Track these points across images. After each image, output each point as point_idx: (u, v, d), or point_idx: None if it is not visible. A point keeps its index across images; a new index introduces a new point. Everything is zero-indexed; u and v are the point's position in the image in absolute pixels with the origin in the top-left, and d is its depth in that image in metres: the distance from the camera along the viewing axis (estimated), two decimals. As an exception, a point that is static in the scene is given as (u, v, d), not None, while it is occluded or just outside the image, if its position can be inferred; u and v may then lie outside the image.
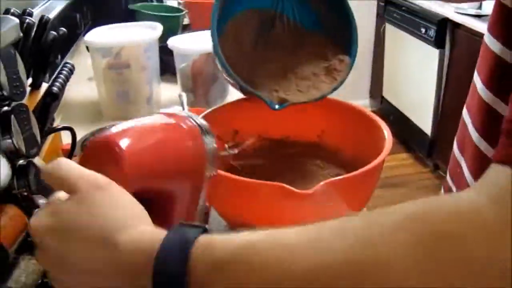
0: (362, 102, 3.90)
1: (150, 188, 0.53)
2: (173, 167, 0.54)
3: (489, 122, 0.70)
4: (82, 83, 1.54)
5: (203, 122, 0.58)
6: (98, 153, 0.51)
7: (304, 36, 0.97)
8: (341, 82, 0.90)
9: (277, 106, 0.87)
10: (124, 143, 0.50)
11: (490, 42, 0.73)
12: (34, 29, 0.81)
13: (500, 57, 0.69)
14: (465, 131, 0.78)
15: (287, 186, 0.72)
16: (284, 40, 0.97)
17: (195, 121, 0.58)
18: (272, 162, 0.97)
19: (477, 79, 0.75)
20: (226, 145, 0.86)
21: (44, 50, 0.83)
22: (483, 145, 0.71)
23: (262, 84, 0.90)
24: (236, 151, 0.83)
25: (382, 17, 3.61)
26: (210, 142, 0.58)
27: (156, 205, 0.53)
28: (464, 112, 0.80)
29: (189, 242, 0.44)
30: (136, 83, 1.32)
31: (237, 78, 0.87)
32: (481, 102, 0.72)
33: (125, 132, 0.52)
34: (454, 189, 0.83)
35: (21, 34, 0.73)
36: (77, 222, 0.47)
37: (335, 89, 0.90)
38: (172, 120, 0.57)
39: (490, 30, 0.73)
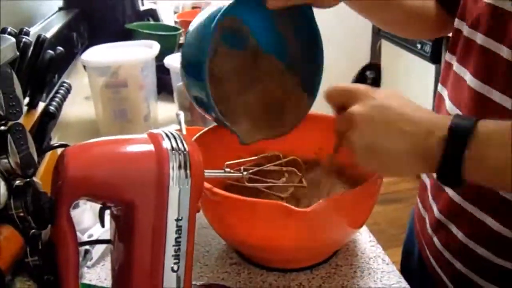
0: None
1: (103, 194, 0.57)
2: (125, 179, 0.57)
3: (480, 109, 0.75)
4: (80, 102, 1.55)
5: (183, 145, 0.58)
6: (60, 159, 0.57)
7: (262, 59, 0.92)
8: (299, 120, 0.88)
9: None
10: (74, 150, 0.58)
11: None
12: (31, 48, 0.81)
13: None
14: None
15: (286, 204, 0.72)
16: (241, 60, 0.92)
17: (176, 142, 0.58)
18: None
19: (464, 72, 0.80)
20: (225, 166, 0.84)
21: (41, 69, 0.83)
22: None
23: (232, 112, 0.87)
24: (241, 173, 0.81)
25: (377, 34, 3.62)
26: (182, 166, 0.57)
27: (122, 214, 0.59)
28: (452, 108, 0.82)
29: (472, 119, 0.59)
30: (133, 102, 1.32)
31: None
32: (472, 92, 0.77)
33: (83, 144, 0.60)
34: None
35: (18, 53, 0.73)
36: (390, 117, 0.63)
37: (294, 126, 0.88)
38: (145, 139, 0.59)
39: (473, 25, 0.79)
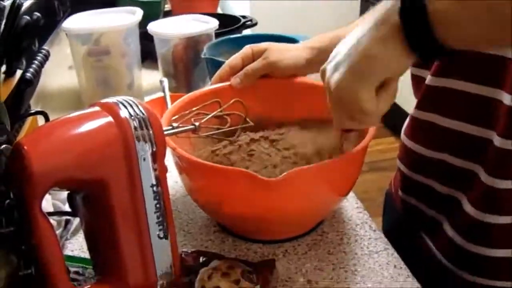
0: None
1: (72, 179, 0.54)
2: (93, 158, 0.55)
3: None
4: (63, 72, 1.52)
5: (139, 109, 0.57)
6: (17, 153, 0.53)
7: None
8: None
9: None
10: (31, 141, 0.53)
11: None
12: (6, 13, 0.78)
13: None
14: None
15: (253, 173, 0.70)
16: None
17: (132, 108, 0.57)
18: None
19: None
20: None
21: (16, 35, 0.81)
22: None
23: None
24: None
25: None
26: (144, 129, 0.56)
27: (94, 195, 0.56)
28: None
29: None
30: (116, 70, 1.30)
31: None
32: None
33: (35, 133, 0.56)
34: None
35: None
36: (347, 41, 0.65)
37: None
38: (100, 111, 0.57)
39: None
